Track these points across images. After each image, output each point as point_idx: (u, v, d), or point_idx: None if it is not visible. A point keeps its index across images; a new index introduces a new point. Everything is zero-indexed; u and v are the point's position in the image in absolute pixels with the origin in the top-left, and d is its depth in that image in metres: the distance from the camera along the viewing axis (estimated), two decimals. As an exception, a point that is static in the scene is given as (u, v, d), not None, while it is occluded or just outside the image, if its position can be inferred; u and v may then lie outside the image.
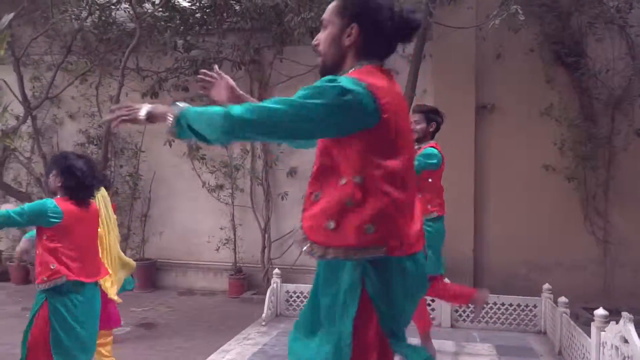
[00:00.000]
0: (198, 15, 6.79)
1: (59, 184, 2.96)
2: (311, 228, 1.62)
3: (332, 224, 1.57)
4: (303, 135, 1.60)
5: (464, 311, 4.89)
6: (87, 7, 6.43)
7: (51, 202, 2.88)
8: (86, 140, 7.36)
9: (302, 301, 5.12)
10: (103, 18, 6.75)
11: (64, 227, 2.87)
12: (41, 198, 3.70)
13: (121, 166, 7.39)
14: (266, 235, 7.05)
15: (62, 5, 6.34)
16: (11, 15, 4.91)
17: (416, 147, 3.90)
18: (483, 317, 4.86)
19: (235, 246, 7.09)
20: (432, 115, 3.84)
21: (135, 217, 7.39)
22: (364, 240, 1.54)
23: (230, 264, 7.10)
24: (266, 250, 7.00)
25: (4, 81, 7.02)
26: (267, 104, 1.52)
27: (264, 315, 4.84)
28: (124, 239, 7.35)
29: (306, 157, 7.15)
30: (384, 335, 1.58)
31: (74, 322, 2.86)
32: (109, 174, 7.26)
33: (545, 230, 6.45)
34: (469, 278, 6.53)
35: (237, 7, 6.58)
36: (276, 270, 5.23)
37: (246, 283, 7.05)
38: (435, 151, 3.73)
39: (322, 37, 1.74)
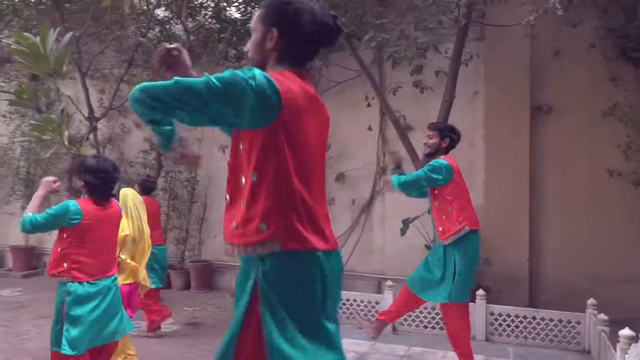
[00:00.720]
0: (249, 25, 6.99)
1: (82, 184, 3.23)
2: (225, 230, 1.73)
3: (234, 224, 1.67)
4: (210, 112, 1.55)
5: (500, 324, 4.62)
6: (147, 23, 6.85)
7: (73, 204, 3.13)
8: (149, 147, 7.82)
9: (347, 308, 5.11)
10: (163, 32, 7.18)
11: (83, 226, 3.11)
12: None
13: (180, 172, 7.78)
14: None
15: (124, 21, 6.81)
16: (70, 34, 5.36)
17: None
18: (521, 332, 4.57)
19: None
20: (446, 132, 3.75)
21: (193, 220, 7.73)
22: (258, 237, 1.60)
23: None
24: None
25: (69, 96, 7.63)
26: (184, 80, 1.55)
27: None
28: (182, 242, 7.74)
29: (355, 162, 7.15)
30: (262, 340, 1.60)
31: (83, 312, 3.08)
32: (170, 179, 7.70)
33: (610, 241, 5.94)
34: (523, 290, 6.18)
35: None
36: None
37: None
38: (443, 162, 3.60)
39: (249, 43, 1.79)
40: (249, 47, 1.80)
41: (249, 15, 6.96)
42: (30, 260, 8.66)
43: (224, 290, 7.56)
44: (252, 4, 6.83)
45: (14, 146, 8.52)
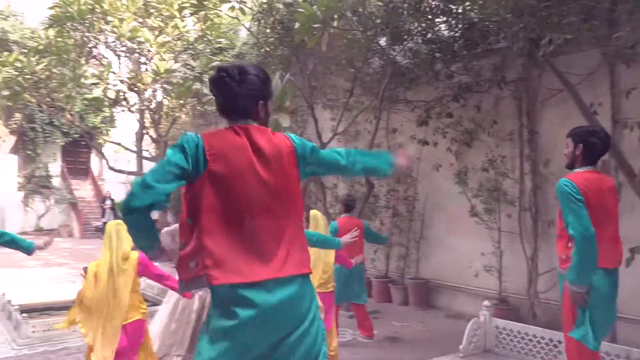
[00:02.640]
0: (460, 41, 6.89)
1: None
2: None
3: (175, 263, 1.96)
4: (169, 176, 1.89)
5: None
6: (365, 53, 7.41)
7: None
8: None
9: (511, 339, 4.61)
10: (384, 59, 7.65)
11: None
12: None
13: (396, 190, 8.07)
14: (533, 266, 6.46)
15: (344, 54, 7.53)
16: (278, 74, 6.29)
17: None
18: None
19: (500, 274, 6.75)
20: (580, 137, 3.09)
21: (412, 237, 7.91)
22: (190, 274, 1.87)
23: (496, 292, 6.80)
24: (533, 282, 6.42)
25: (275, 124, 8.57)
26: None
27: (461, 346, 4.63)
28: (402, 258, 7.99)
29: (582, 179, 6.23)
30: None
31: None
32: (391, 197, 8.10)
33: None
34: None
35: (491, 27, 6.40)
36: (485, 303, 4.88)
37: (512, 315, 6.58)
38: (564, 185, 2.96)
39: None
40: None
41: (459, 32, 6.87)
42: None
43: (441, 310, 7.48)
44: (461, 20, 6.73)
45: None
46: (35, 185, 19.66)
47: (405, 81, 7.33)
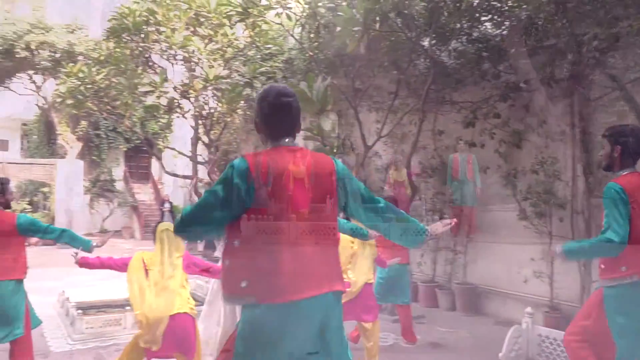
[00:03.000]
0: (507, 40, 6.68)
1: None
2: None
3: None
4: (218, 210, 2.01)
5: None
6: (409, 55, 7.34)
7: None
8: (420, 171, 8.23)
9: (555, 348, 4.42)
10: (427, 60, 7.54)
11: None
12: None
13: (443, 193, 7.91)
14: (586, 272, 6.15)
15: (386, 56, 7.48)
16: (320, 78, 6.34)
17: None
18: None
19: (551, 281, 6.48)
20: (618, 138, 2.91)
21: (459, 241, 7.72)
22: (239, 291, 1.97)
23: (548, 300, 6.52)
24: (586, 290, 6.11)
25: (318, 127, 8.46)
26: None
27: (500, 354, 4.48)
28: (450, 263, 7.82)
29: None
30: None
31: None
32: (437, 200, 7.95)
33: None
34: None
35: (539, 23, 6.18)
36: (528, 309, 4.69)
37: (564, 323, 6.27)
38: (611, 188, 2.79)
39: None
40: None
41: (503, 28, 6.67)
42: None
43: (489, 316, 7.26)
44: (507, 18, 6.53)
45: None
46: (100, 189, 20.68)
47: (451, 82, 7.19)
